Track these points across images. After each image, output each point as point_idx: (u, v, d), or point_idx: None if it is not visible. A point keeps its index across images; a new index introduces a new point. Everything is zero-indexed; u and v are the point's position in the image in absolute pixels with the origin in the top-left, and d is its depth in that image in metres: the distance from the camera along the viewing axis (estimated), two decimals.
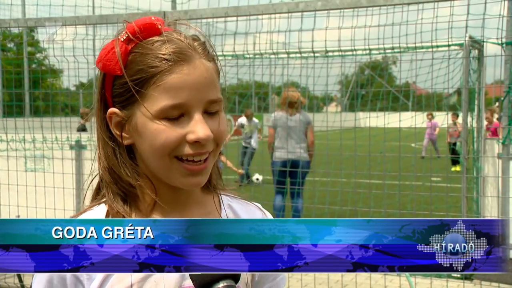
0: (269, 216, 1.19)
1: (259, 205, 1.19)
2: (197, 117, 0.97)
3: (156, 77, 0.96)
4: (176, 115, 0.96)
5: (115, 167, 1.04)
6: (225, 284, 0.85)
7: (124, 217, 1.03)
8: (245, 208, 1.16)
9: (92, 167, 1.11)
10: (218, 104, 1.00)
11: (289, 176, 7.20)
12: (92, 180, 1.11)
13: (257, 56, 6.81)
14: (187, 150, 0.97)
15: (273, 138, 7.39)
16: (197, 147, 0.97)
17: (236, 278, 0.87)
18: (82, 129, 8.40)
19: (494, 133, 10.29)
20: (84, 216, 1.06)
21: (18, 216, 4.73)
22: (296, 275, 5.63)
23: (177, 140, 0.96)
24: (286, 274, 1.24)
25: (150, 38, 0.99)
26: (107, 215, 1.04)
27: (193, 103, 0.96)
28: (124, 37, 0.99)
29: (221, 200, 1.14)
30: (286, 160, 7.14)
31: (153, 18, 1.01)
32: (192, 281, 0.87)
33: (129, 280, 1.00)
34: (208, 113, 0.99)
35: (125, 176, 1.03)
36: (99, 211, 1.06)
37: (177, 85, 0.95)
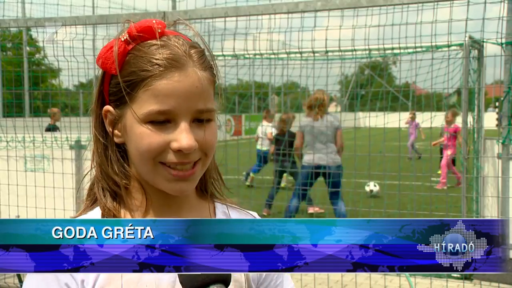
0: None
1: (255, 213, 1.18)
2: (183, 125, 0.96)
3: (146, 81, 0.96)
4: (162, 120, 0.96)
5: (103, 164, 1.04)
6: None
7: (114, 214, 1.03)
8: (238, 214, 1.16)
9: (83, 167, 1.11)
10: (208, 114, 0.99)
11: (323, 180, 7.04)
12: (85, 176, 1.11)
13: (257, 56, 6.80)
14: (171, 158, 0.97)
15: (301, 141, 7.24)
16: (181, 156, 0.97)
17: (226, 282, 0.87)
18: (51, 128, 8.30)
19: (454, 137, 10.27)
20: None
21: (18, 216, 4.73)
22: (296, 275, 5.63)
23: (161, 146, 0.96)
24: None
25: (149, 41, 0.99)
26: (102, 217, 1.04)
27: (180, 111, 0.96)
28: (125, 38, 1.00)
29: (216, 208, 1.13)
30: (315, 165, 7.00)
31: (154, 21, 1.01)
32: (182, 285, 0.87)
33: (119, 283, 0.99)
34: (198, 122, 0.99)
35: (112, 174, 1.04)
36: (94, 214, 1.06)
37: (166, 91, 0.95)
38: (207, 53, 1.03)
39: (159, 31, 1.00)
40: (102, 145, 1.05)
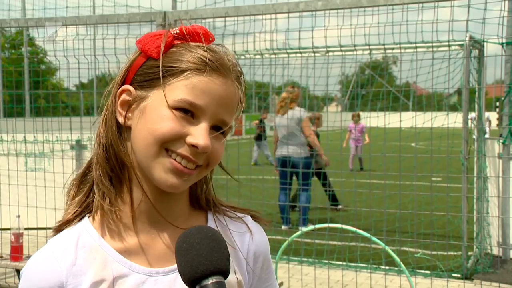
0: (255, 229, 1.16)
1: (248, 218, 1.16)
2: (204, 125, 0.97)
3: (188, 72, 0.97)
4: (189, 112, 0.97)
5: (115, 142, 1.02)
6: (215, 280, 0.85)
7: (110, 201, 1.01)
8: (232, 223, 1.14)
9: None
10: (226, 128, 1.01)
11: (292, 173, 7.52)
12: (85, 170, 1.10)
13: (257, 56, 6.80)
14: (181, 149, 0.97)
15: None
16: (192, 152, 0.97)
17: (225, 274, 0.88)
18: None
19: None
20: (65, 236, 1.04)
21: (18, 216, 4.74)
22: (296, 275, 5.63)
23: (178, 134, 0.96)
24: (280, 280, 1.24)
25: (198, 43, 1.02)
26: (93, 215, 1.03)
27: (208, 111, 0.97)
28: (176, 32, 1.02)
29: (207, 217, 1.13)
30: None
31: (208, 29, 1.04)
32: (181, 276, 0.87)
33: None
34: (215, 131, 1.00)
35: (122, 153, 1.02)
36: (81, 231, 1.04)
37: (204, 88, 0.97)
38: (243, 76, 1.07)
39: (210, 39, 1.03)
40: (116, 124, 1.03)
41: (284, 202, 7.47)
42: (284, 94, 7.42)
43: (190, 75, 0.97)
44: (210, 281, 0.85)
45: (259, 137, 16.37)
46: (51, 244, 1.03)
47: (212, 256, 0.86)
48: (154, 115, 0.97)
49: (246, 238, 1.13)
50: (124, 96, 1.02)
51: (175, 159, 0.97)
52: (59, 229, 1.07)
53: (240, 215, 1.15)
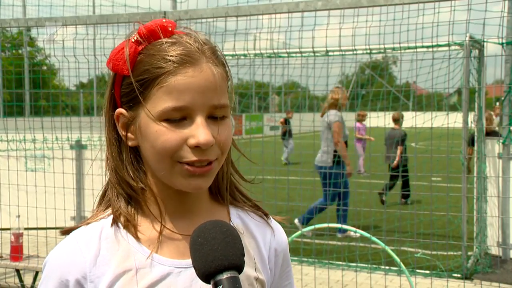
0: (276, 226, 1.17)
1: (272, 219, 1.17)
2: (199, 121, 0.95)
3: (160, 78, 0.94)
4: (178, 117, 0.95)
5: (118, 168, 1.03)
6: (229, 275, 0.85)
7: (127, 219, 1.02)
8: (254, 219, 1.14)
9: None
10: (223, 109, 0.98)
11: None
12: (101, 176, 1.09)
13: (257, 56, 6.80)
14: (188, 156, 0.95)
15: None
16: (198, 152, 0.95)
17: (239, 269, 0.87)
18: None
19: None
20: (89, 228, 1.04)
21: (18, 216, 4.74)
22: (296, 275, 5.63)
23: (178, 143, 0.95)
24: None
25: (160, 40, 0.98)
26: (112, 223, 1.03)
27: (196, 106, 0.95)
28: (135, 38, 0.99)
29: (229, 211, 1.12)
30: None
31: (164, 20, 1.01)
32: (196, 271, 0.87)
33: None
34: (213, 118, 0.97)
35: (127, 178, 1.02)
36: (105, 224, 1.04)
37: (180, 87, 0.94)
38: (218, 50, 1.03)
39: (170, 29, 1.00)
40: (116, 149, 1.04)
41: (320, 204, 7.26)
42: (332, 95, 7.17)
43: (163, 80, 0.94)
44: (225, 276, 0.85)
45: (284, 136, 16.31)
46: (75, 235, 1.03)
47: (227, 251, 0.86)
48: (149, 133, 0.97)
49: (267, 235, 1.14)
50: (121, 119, 1.02)
51: (188, 164, 0.96)
52: (76, 227, 1.06)
53: (260, 212, 1.16)
